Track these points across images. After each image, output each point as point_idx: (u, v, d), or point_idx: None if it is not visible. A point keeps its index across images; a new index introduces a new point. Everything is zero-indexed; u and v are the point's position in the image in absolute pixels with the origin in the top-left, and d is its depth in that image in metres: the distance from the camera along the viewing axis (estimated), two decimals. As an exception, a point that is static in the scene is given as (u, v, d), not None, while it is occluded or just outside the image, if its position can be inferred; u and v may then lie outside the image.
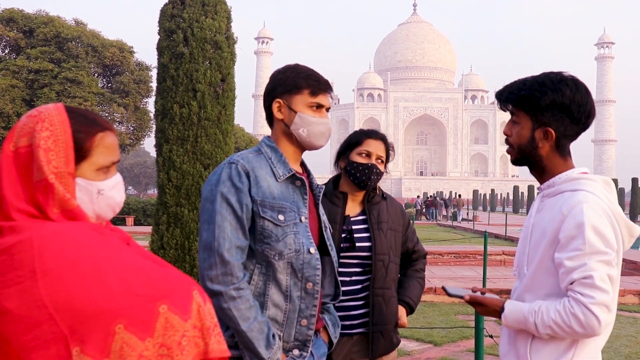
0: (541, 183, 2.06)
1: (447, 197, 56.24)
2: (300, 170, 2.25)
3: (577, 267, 1.79)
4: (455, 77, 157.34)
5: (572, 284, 1.80)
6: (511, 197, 78.89)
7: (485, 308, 2.06)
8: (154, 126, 5.71)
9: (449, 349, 6.42)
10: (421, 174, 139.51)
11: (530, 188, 64.83)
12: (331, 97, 2.25)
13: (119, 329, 1.15)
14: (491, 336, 4.63)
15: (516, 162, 2.07)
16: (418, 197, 56.66)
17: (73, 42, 34.42)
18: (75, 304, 1.14)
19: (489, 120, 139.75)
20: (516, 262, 2.13)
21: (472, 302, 2.08)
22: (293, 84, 2.16)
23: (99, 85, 36.21)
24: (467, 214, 43.16)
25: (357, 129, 3.01)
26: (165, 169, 5.34)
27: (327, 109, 2.22)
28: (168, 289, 1.23)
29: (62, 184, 1.27)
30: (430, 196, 53.32)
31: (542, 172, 2.03)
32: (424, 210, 45.45)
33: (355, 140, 2.83)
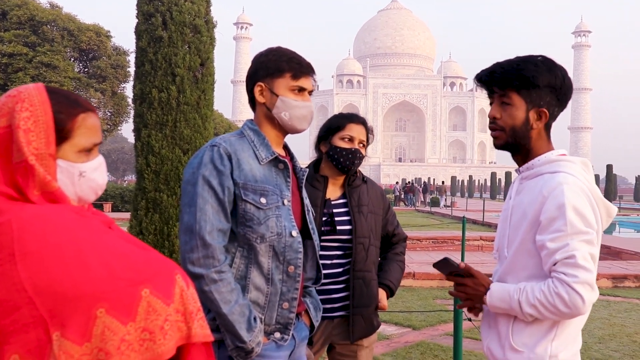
0: (520, 166, 2.05)
1: (425, 183, 56.46)
2: (283, 153, 2.23)
3: (560, 247, 1.80)
4: (434, 64, 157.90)
5: (555, 264, 1.81)
6: (489, 184, 79.53)
7: (473, 282, 2.00)
8: (132, 111, 5.66)
9: (427, 332, 6.48)
10: (400, 160, 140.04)
11: (508, 174, 65.41)
12: (314, 80, 2.23)
13: (100, 313, 1.13)
14: (470, 319, 4.67)
15: (505, 145, 2.03)
16: (397, 183, 56.88)
17: (48, 26, 33.84)
18: (56, 287, 1.12)
19: (467, 107, 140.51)
20: (496, 245, 2.13)
21: (466, 273, 2.03)
22: (275, 67, 2.13)
23: (75, 70, 35.65)
24: (446, 199, 43.46)
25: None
26: (144, 154, 5.29)
27: (310, 92, 2.20)
28: (150, 272, 1.21)
29: (43, 166, 1.25)
30: (408, 182, 53.59)
31: (527, 155, 2.02)
32: (402, 196, 45.67)
33: (336, 125, 2.82)
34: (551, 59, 2.00)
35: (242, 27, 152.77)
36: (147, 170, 5.27)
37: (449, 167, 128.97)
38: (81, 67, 37.04)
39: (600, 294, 8.64)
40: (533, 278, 1.90)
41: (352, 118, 2.85)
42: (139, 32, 5.48)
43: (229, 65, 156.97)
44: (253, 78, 2.18)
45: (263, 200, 2.06)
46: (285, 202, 2.12)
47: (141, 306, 1.17)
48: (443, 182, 53.02)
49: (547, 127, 2.01)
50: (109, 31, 36.58)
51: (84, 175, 1.31)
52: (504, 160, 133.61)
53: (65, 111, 1.29)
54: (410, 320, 6.84)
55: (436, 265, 2.11)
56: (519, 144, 2.00)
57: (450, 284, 7.35)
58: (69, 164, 1.29)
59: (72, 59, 36.04)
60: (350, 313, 2.75)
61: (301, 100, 2.15)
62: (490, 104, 2.06)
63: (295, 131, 2.19)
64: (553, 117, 2.00)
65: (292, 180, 2.20)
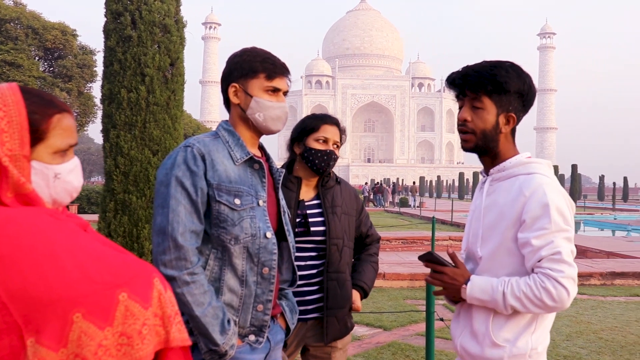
0: (489, 168, 2.09)
1: (394, 184, 56.79)
2: (258, 153, 2.22)
3: (545, 244, 1.86)
4: (403, 65, 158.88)
5: (540, 260, 1.86)
6: (457, 184, 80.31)
7: (453, 272, 2.01)
8: (99, 112, 5.58)
9: (398, 333, 6.51)
10: (369, 160, 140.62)
11: (476, 174, 66.10)
12: (289, 81, 2.21)
13: (76, 318, 1.11)
14: (442, 319, 4.72)
15: (475, 148, 2.06)
16: (366, 183, 57.07)
17: (11, 24, 33.20)
18: (31, 291, 1.09)
19: (436, 108, 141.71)
20: (465, 245, 2.16)
21: (452, 258, 2.06)
22: (249, 67, 2.12)
23: (40, 69, 35.04)
24: (415, 200, 43.79)
25: (304, 115, 2.99)
26: (113, 155, 5.22)
27: (285, 93, 2.19)
28: (128, 276, 1.19)
29: (17, 167, 1.22)
30: (377, 183, 53.84)
31: (495, 158, 2.07)
32: (371, 196, 45.85)
33: (311, 126, 2.81)
34: (518, 65, 2.07)
35: (210, 27, 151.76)
36: (116, 172, 5.21)
37: (417, 167, 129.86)
38: (46, 66, 36.41)
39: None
40: (511, 276, 1.95)
41: (326, 119, 2.85)
42: (107, 31, 5.41)
43: (198, 66, 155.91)
44: (227, 79, 2.17)
45: (237, 201, 2.04)
46: (261, 202, 2.10)
47: (119, 310, 1.15)
48: (414, 183, 53.36)
49: (513, 131, 2.09)
50: (75, 30, 36.01)
51: (59, 177, 1.29)
52: (472, 161, 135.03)
53: (40, 111, 1.26)
54: (381, 321, 6.86)
55: (421, 257, 2.13)
56: (487, 147, 2.05)
57: (421, 283, 7.37)
58: (44, 165, 1.27)
59: (37, 58, 35.41)
60: (324, 315, 2.74)
61: (275, 100, 2.14)
62: (460, 107, 2.09)
63: (270, 132, 2.17)
64: (518, 121, 2.08)
65: (268, 181, 2.18)
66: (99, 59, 37.01)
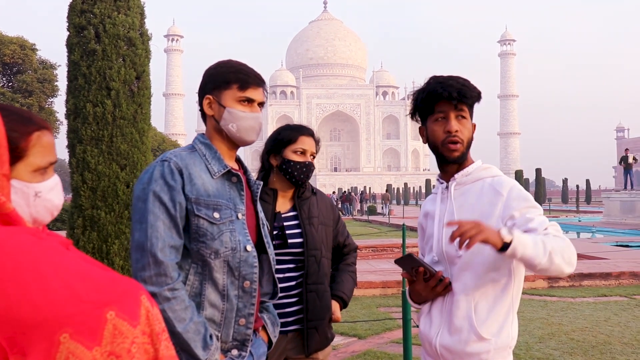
0: (451, 174, 2.21)
1: (362, 192, 57.02)
2: (236, 166, 2.20)
3: (544, 221, 2.02)
4: (367, 73, 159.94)
5: (546, 229, 1.99)
6: (424, 190, 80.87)
7: (484, 231, 1.84)
8: (62, 127, 5.51)
9: (373, 341, 6.51)
10: (335, 169, 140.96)
11: (442, 181, 66.52)
12: (265, 91, 2.21)
13: (64, 339, 1.08)
14: (417, 326, 4.72)
15: (461, 156, 2.16)
16: (333, 192, 57.19)
17: (-32, 39, 32.61)
18: (15, 313, 1.06)
19: (400, 116, 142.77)
20: (436, 248, 2.19)
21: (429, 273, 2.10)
22: (222, 78, 2.12)
23: (-1, 84, 34.45)
24: (382, 207, 44.06)
25: (270, 126, 2.99)
26: (80, 171, 5.14)
27: (261, 104, 2.19)
28: (116, 294, 1.16)
29: None
30: (345, 192, 54.01)
31: (462, 164, 2.20)
32: (339, 205, 45.99)
33: (288, 138, 2.80)
34: None
35: (173, 39, 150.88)
36: (84, 187, 5.12)
37: (384, 175, 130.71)
38: (5, 82, 35.75)
39: (537, 295, 8.96)
40: (491, 271, 2.04)
41: (303, 130, 2.84)
42: (70, 45, 5.33)
43: (161, 78, 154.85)
44: (202, 91, 2.17)
45: (216, 214, 2.02)
46: (240, 215, 2.09)
47: (107, 329, 1.12)
48: (387, 191, 53.71)
49: None
50: (34, 44, 35.46)
51: (39, 196, 1.26)
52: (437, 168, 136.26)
53: (19, 129, 1.23)
54: (355, 330, 6.86)
55: (398, 260, 2.14)
56: (466, 154, 2.19)
57: (393, 290, 7.39)
58: (24, 184, 1.24)
59: (-5, 73, 34.78)
60: (305, 327, 2.72)
61: (249, 111, 2.13)
62: (438, 119, 2.15)
63: (244, 143, 2.16)
64: None
65: (246, 194, 2.17)
66: (60, 73, 36.54)
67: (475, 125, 2.20)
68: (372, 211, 41.01)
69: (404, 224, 10.24)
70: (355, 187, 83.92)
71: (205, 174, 2.06)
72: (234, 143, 2.17)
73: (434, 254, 2.21)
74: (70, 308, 1.09)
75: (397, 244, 15.31)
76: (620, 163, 28.64)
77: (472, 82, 2.18)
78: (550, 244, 1.87)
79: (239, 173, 2.16)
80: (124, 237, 5.16)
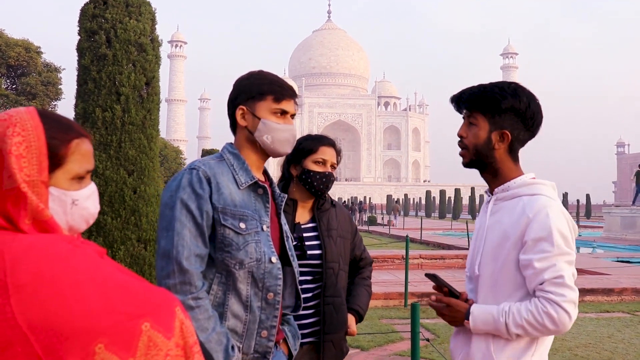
0: (493, 186, 2.11)
1: (361, 202, 57.08)
2: (262, 178, 2.19)
3: (547, 267, 1.87)
4: (369, 83, 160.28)
5: (542, 283, 1.87)
6: (424, 202, 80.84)
7: (450, 310, 2.04)
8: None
9: (376, 353, 6.47)
10: (336, 179, 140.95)
11: (442, 192, 66.71)
12: (296, 103, 2.20)
13: (99, 349, 1.06)
14: (427, 340, 4.71)
15: (470, 163, 2.11)
16: (334, 202, 57.10)
17: (-27, 41, 32.70)
18: (52, 322, 1.05)
19: (402, 127, 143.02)
20: (469, 263, 2.16)
21: (445, 300, 2.08)
22: (257, 90, 2.11)
23: (3, 86, 34.45)
24: (382, 218, 44.08)
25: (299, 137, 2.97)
26: (87, 175, 5.13)
27: (292, 115, 2.18)
28: (151, 305, 1.15)
29: (35, 193, 1.17)
30: (345, 202, 54.06)
31: (495, 175, 2.09)
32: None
33: (309, 148, 2.78)
34: (521, 86, 2.10)
35: (176, 45, 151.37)
36: (91, 191, 5.11)
37: (384, 185, 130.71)
38: (9, 84, 35.85)
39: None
40: (516, 292, 1.96)
41: (323, 140, 2.83)
42: (81, 50, 5.34)
43: (164, 84, 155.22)
44: (235, 101, 2.15)
45: (242, 225, 2.01)
46: (265, 227, 2.08)
47: (142, 341, 1.10)
48: (397, 202, 53.67)
49: (512, 150, 2.09)
50: (39, 47, 35.60)
51: (76, 204, 1.25)
52: (438, 179, 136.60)
53: (59, 136, 1.22)
54: (358, 341, 6.82)
55: (428, 275, 2.14)
56: (483, 162, 2.09)
57: (395, 302, 7.39)
58: (62, 191, 1.23)
59: (-1, 75, 34.85)
60: (321, 339, 2.70)
61: (283, 123, 2.13)
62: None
63: (278, 154, 2.16)
64: (518, 140, 2.08)
65: (271, 206, 2.16)
66: (64, 76, 36.65)
67: (501, 134, 2.03)
68: (372, 221, 40.98)
69: (407, 236, 10.26)
70: (356, 197, 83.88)
71: (232, 184, 2.06)
72: (265, 154, 2.17)
73: (467, 270, 2.20)
74: (106, 318, 1.08)
75: (398, 255, 15.28)
76: (635, 176, 28.20)
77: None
78: (517, 320, 1.88)
79: (265, 185, 2.15)
80: (130, 243, 5.15)
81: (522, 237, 1.93)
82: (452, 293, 2.08)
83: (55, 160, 1.21)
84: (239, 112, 2.13)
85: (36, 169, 1.18)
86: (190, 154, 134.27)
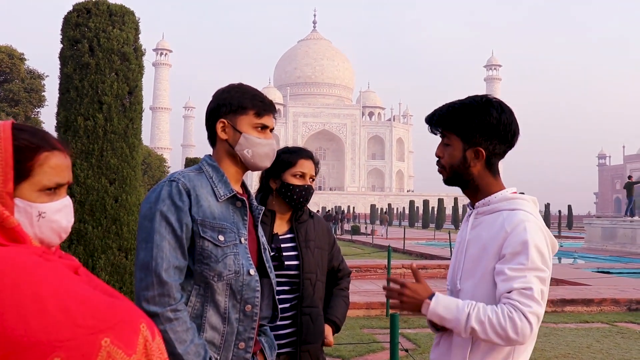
0: (474, 201, 2.11)
1: (343, 212, 57.11)
2: (241, 190, 2.20)
3: (518, 277, 1.86)
4: (353, 93, 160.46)
5: (510, 292, 1.86)
6: (407, 211, 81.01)
7: (412, 292, 1.97)
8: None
9: (357, 363, 6.48)
10: (320, 188, 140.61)
11: (426, 202, 66.87)
12: (274, 118, 2.22)
13: None
14: (406, 350, 4.72)
15: (448, 181, 2.11)
16: (317, 211, 57.16)
17: (-45, 47, 32.44)
18: (10, 333, 1.04)
19: (386, 137, 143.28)
20: (450, 277, 2.16)
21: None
22: (238, 104, 2.12)
23: (-15, 92, 34.22)
24: (366, 228, 44.12)
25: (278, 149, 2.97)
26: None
27: (272, 130, 2.20)
28: (113, 321, 1.14)
29: (1, 203, 1.18)
30: (328, 211, 54.10)
31: (475, 191, 2.09)
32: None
33: (288, 161, 2.79)
34: (490, 98, 2.07)
35: (161, 54, 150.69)
36: (71, 201, 5.08)
37: (368, 195, 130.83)
38: (-9, 90, 35.54)
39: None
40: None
41: (302, 153, 2.84)
42: (64, 58, 5.33)
43: (148, 92, 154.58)
44: (214, 114, 2.15)
45: (221, 237, 2.02)
46: (243, 240, 2.09)
47: (100, 356, 1.10)
48: (385, 212, 53.57)
49: (490, 165, 2.08)
50: (22, 53, 35.39)
51: (43, 216, 1.25)
52: (421, 189, 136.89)
53: (27, 149, 1.23)
54: (339, 351, 6.81)
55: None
56: (460, 181, 2.09)
57: (377, 312, 7.39)
58: (27, 203, 1.23)
59: (-18, 82, 34.56)
60: (298, 350, 2.71)
61: (264, 138, 2.15)
62: None
63: (257, 169, 2.18)
64: (494, 154, 2.06)
65: (248, 219, 2.17)
66: (48, 83, 36.42)
67: (476, 151, 2.02)
68: (355, 231, 41.01)
69: (389, 247, 10.29)
70: (339, 206, 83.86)
71: (211, 197, 2.06)
72: (244, 167, 2.17)
73: (447, 283, 2.18)
74: (65, 332, 1.08)
75: (381, 265, 15.30)
76: (626, 188, 28.22)
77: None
78: (481, 315, 1.84)
79: (244, 198, 2.16)
80: (111, 252, 5.12)
81: (499, 251, 1.93)
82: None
83: (22, 172, 1.21)
84: (219, 125, 2.14)
85: (1, 180, 1.19)
86: (174, 162, 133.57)
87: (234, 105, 2.12)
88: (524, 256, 1.88)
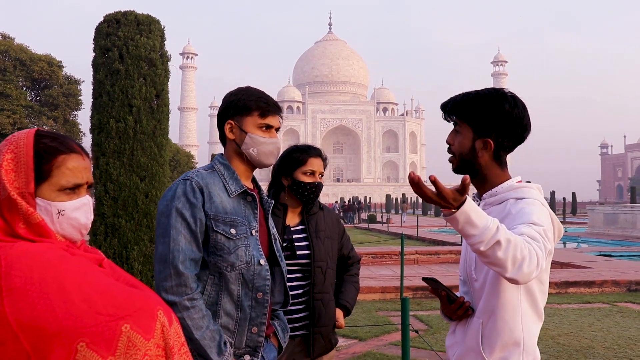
0: (481, 192, 2.03)
1: (359, 202, 57.02)
2: (251, 186, 2.23)
3: (528, 222, 1.77)
4: (368, 90, 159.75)
5: (521, 234, 1.72)
6: (420, 201, 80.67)
7: (444, 193, 1.71)
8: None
9: (373, 343, 6.50)
10: (338, 180, 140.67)
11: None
12: (281, 118, 2.24)
13: (80, 347, 1.11)
14: (416, 331, 4.74)
15: (457, 170, 2.02)
16: (336, 202, 57.15)
17: (0, 56, 32.87)
18: (39, 322, 1.10)
19: (399, 131, 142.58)
20: (462, 268, 2.10)
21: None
22: (243, 105, 2.15)
23: (28, 98, 34.72)
24: (382, 216, 44.07)
25: (288, 148, 2.97)
26: (103, 181, 5.19)
27: (277, 129, 2.22)
28: (132, 309, 1.20)
29: (25, 201, 1.24)
30: (347, 201, 54.07)
31: (482, 181, 2.01)
32: (341, 214, 46.00)
33: (299, 160, 2.83)
34: (505, 92, 1.98)
35: (188, 57, 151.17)
36: (106, 197, 5.17)
37: (383, 186, 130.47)
38: (33, 96, 36.11)
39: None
40: (506, 304, 1.88)
41: (311, 152, 2.87)
42: (96, 65, 5.41)
43: (176, 93, 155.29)
44: (223, 116, 2.19)
45: (233, 230, 2.05)
46: (254, 232, 2.12)
47: (121, 341, 1.15)
48: (405, 201, 53.05)
49: (498, 156, 1.99)
50: (60, 61, 35.81)
51: (62, 214, 1.29)
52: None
53: (46, 153, 1.28)
54: (356, 332, 6.85)
55: (427, 280, 2.04)
56: (469, 169, 1.99)
57: (392, 295, 7.36)
58: (47, 202, 1.28)
59: (25, 88, 35.13)
60: (311, 332, 2.75)
61: (268, 137, 2.17)
62: None
63: (263, 166, 2.20)
64: (503, 147, 1.97)
65: (259, 212, 2.20)
66: (84, 88, 36.88)
67: (484, 142, 1.94)
68: (372, 220, 40.96)
69: (402, 235, 10.26)
70: (357, 197, 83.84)
71: (223, 193, 2.09)
72: (252, 165, 2.20)
73: (460, 274, 2.12)
74: (88, 319, 1.13)
75: (395, 252, 15.28)
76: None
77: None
78: (507, 237, 1.63)
79: (254, 193, 2.19)
80: (143, 244, 5.20)
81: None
82: (449, 298, 2.00)
83: (42, 174, 1.27)
84: (227, 126, 2.17)
85: (24, 182, 1.25)
86: (202, 158, 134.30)
87: (239, 107, 2.15)
88: (533, 218, 1.79)
